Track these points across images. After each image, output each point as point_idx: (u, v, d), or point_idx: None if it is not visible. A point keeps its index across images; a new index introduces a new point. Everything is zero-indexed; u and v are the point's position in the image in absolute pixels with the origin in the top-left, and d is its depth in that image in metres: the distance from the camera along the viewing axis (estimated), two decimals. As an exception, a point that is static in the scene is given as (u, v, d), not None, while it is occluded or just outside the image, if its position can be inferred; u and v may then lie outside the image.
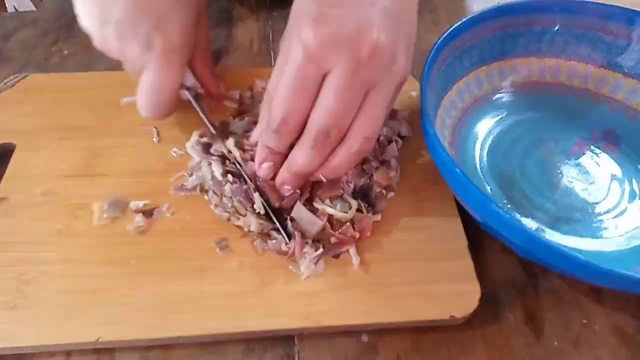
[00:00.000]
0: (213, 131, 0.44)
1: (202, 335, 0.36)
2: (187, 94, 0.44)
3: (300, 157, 0.37)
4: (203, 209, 0.42)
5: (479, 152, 0.48)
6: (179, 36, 0.40)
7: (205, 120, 0.45)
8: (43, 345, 0.35)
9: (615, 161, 0.48)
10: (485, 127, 0.49)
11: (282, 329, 0.36)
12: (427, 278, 0.39)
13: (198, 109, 0.45)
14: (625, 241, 0.42)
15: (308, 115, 0.35)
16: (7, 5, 0.87)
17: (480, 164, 0.47)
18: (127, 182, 0.44)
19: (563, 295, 0.41)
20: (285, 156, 0.38)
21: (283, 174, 0.39)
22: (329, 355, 0.37)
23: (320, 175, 0.38)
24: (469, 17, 0.46)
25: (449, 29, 0.44)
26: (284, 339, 0.37)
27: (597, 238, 0.42)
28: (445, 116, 0.47)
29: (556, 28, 0.50)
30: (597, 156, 0.49)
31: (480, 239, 0.42)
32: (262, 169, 0.39)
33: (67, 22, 0.63)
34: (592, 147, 0.49)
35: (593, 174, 0.47)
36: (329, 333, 0.38)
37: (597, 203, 0.45)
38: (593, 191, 0.46)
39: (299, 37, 0.33)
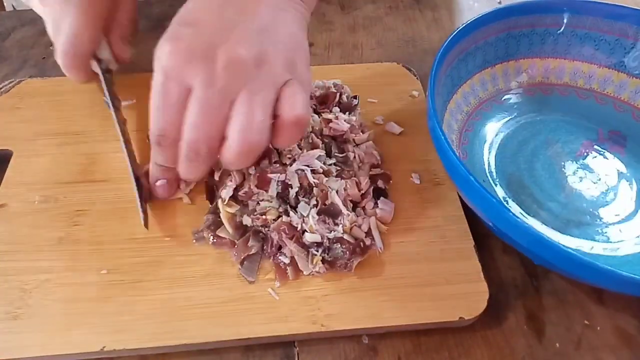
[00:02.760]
0: (111, 107, 0.45)
1: (209, 342, 0.35)
2: (96, 66, 0.45)
3: (183, 171, 0.38)
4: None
5: (487, 155, 0.47)
6: None
7: (107, 94, 0.45)
8: (47, 356, 0.35)
9: (622, 162, 0.47)
10: (491, 130, 0.49)
11: (289, 334, 0.36)
12: (434, 280, 0.38)
13: (103, 82, 0.46)
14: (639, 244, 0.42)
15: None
16: (5, 4, 0.86)
17: (488, 168, 0.46)
18: (127, 187, 0.43)
19: (565, 296, 0.40)
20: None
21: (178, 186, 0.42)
22: (329, 356, 0.37)
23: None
24: (472, 20, 0.45)
25: (453, 32, 0.43)
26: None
27: (609, 242, 0.42)
28: (452, 120, 0.47)
29: (561, 29, 0.49)
30: (604, 157, 0.48)
31: (481, 239, 0.42)
32: (157, 187, 0.41)
33: (64, 21, 0.62)
34: (599, 147, 0.48)
35: (601, 176, 0.46)
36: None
37: (606, 205, 0.44)
38: (602, 193, 0.45)
39: (157, 57, 0.35)
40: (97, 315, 0.36)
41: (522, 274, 0.42)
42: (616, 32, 0.48)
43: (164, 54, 0.35)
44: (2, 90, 0.50)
